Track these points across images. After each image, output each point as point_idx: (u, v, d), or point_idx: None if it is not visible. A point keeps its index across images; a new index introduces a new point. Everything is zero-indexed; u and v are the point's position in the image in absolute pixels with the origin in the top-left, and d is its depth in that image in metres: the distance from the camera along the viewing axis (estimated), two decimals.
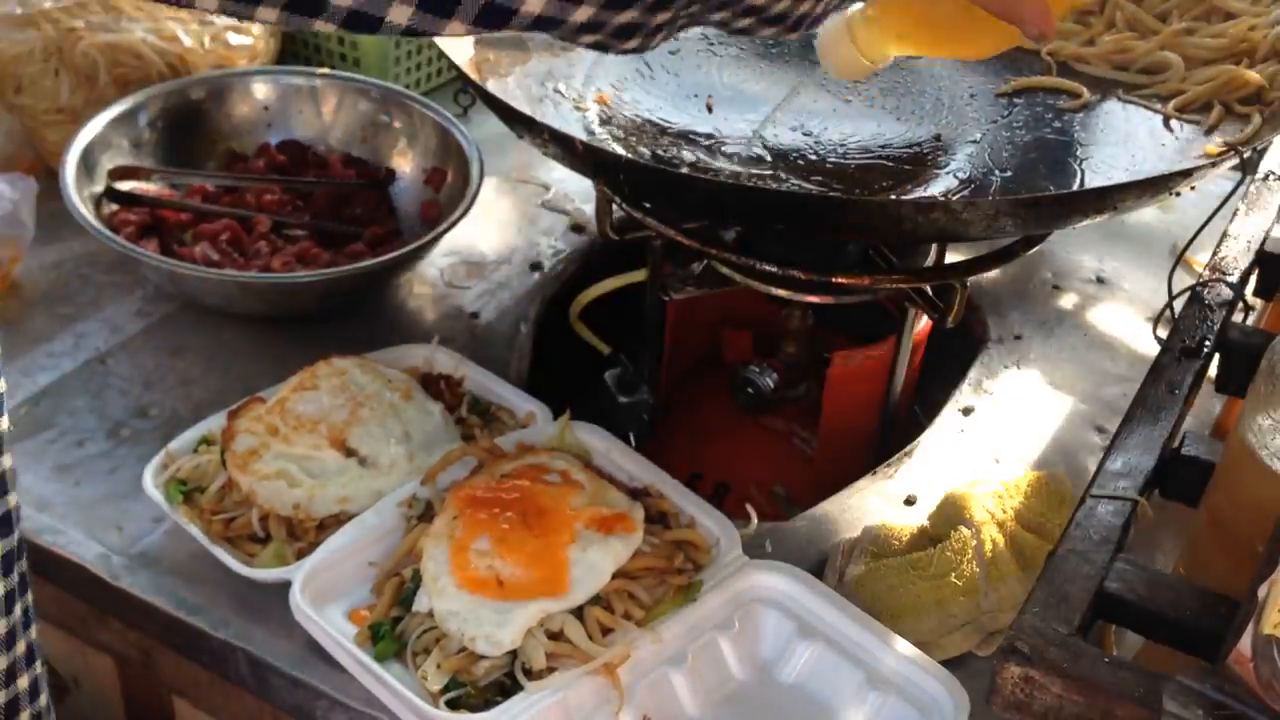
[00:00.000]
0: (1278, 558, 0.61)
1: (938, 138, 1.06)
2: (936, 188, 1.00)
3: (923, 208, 0.91)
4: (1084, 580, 0.71)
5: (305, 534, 0.90)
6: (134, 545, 0.96)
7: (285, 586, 0.85)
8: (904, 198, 0.95)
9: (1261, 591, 0.60)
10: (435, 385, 1.02)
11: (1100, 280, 1.31)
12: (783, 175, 1.00)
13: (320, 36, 1.45)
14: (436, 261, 1.26)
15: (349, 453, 0.93)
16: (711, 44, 1.19)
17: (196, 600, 0.91)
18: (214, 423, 0.98)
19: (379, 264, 1.10)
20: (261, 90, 1.30)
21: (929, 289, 1.03)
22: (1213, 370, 0.95)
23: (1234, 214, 1.05)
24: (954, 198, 0.97)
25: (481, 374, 1.07)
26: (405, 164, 1.29)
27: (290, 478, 0.90)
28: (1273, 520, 0.66)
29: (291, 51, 1.47)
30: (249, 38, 1.34)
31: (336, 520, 0.90)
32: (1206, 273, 1.00)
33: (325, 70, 1.32)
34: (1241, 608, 0.64)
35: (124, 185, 1.20)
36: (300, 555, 0.88)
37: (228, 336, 1.15)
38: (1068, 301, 1.28)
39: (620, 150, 1.01)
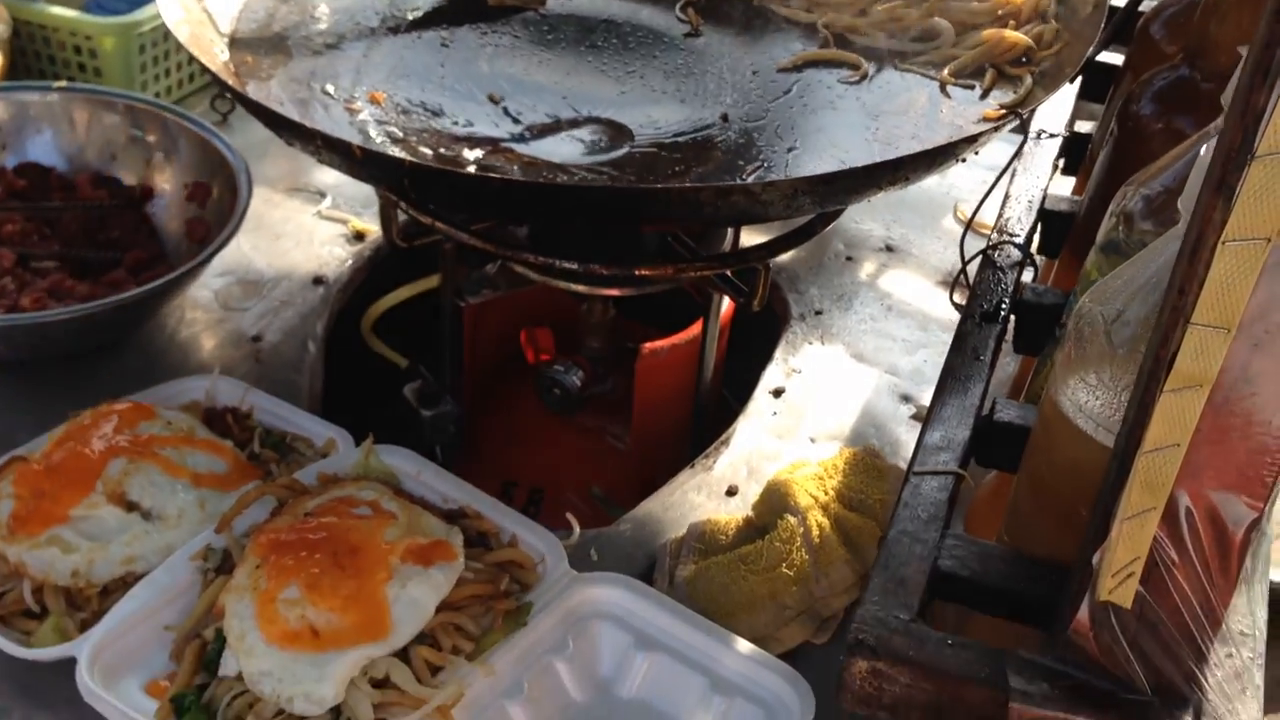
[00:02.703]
0: (1105, 524, 0.61)
1: (724, 118, 1.05)
2: (728, 170, 0.98)
3: (723, 192, 0.88)
4: (918, 562, 0.70)
5: (88, 603, 0.81)
6: None
7: (71, 664, 0.77)
8: (702, 185, 0.92)
9: (1095, 559, 0.61)
10: (221, 420, 0.95)
11: (890, 248, 1.33)
12: (573, 168, 0.97)
13: (54, 45, 1.32)
14: (209, 284, 1.17)
15: (130, 507, 0.84)
16: (484, 34, 1.14)
17: None
18: None
19: (143, 293, 1.01)
20: None
21: (731, 273, 1.01)
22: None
23: (1012, 174, 1.07)
24: (749, 178, 0.95)
25: (271, 402, 0.99)
26: (163, 180, 1.19)
27: (64, 543, 0.81)
28: (1092, 483, 0.67)
29: (23, 65, 1.34)
30: None
31: (123, 583, 0.82)
32: (994, 235, 1.02)
33: (62, 84, 1.20)
34: (1074, 575, 0.64)
35: None
36: (84, 627, 0.80)
37: None
38: (862, 272, 1.29)
39: (401, 153, 0.95)
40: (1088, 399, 0.69)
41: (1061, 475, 0.72)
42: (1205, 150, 0.63)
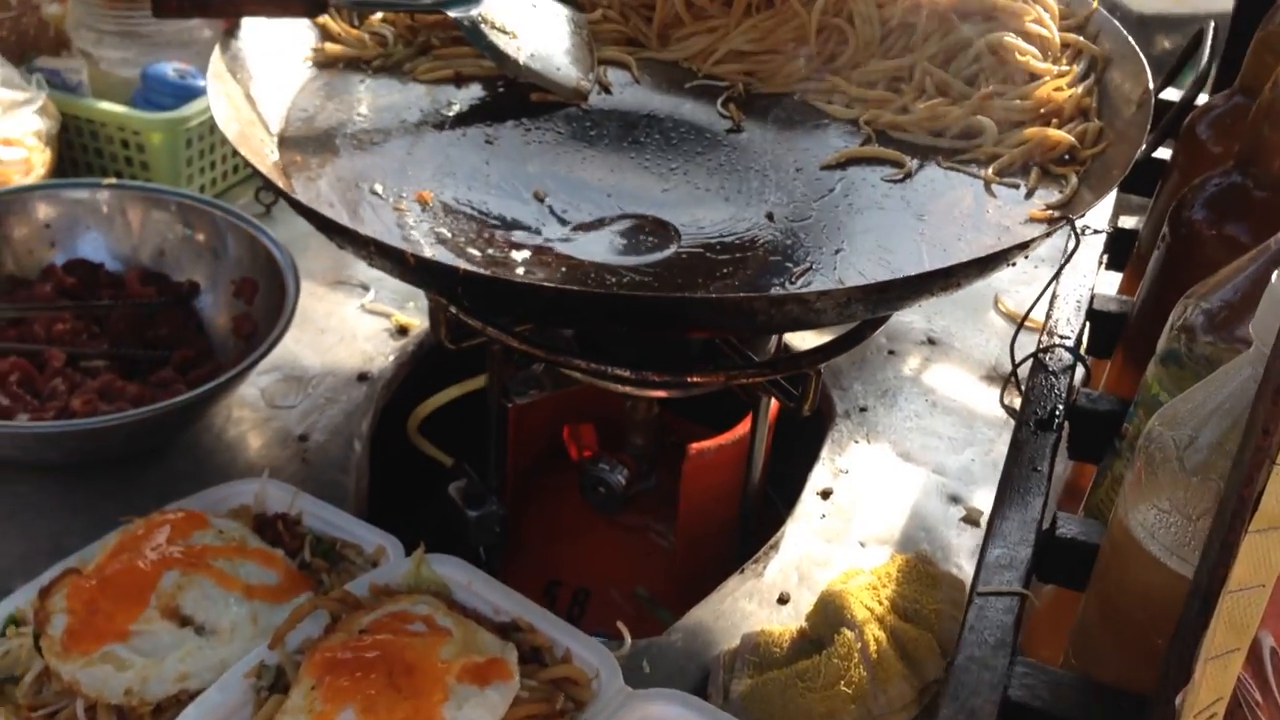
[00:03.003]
0: (1188, 661, 0.60)
1: (770, 216, 1.05)
2: (775, 273, 0.98)
3: (776, 301, 0.88)
4: (988, 691, 0.69)
5: None
6: None
7: None
8: (756, 294, 0.92)
9: (1178, 700, 0.59)
10: (272, 528, 0.94)
11: (932, 341, 1.32)
12: (621, 269, 0.97)
13: (102, 139, 1.34)
14: (256, 380, 1.17)
15: (184, 621, 0.84)
16: (528, 130, 1.15)
17: None
18: (22, 598, 0.87)
19: (195, 397, 1.01)
20: (42, 207, 1.19)
21: (781, 377, 1.01)
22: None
23: (1059, 271, 1.07)
24: (797, 282, 0.95)
25: (319, 506, 0.99)
26: (211, 276, 1.20)
27: (118, 660, 0.80)
28: (1166, 609, 0.66)
29: (70, 159, 1.36)
30: (21, 150, 1.22)
31: (176, 702, 0.81)
32: (1044, 337, 1.01)
33: (112, 180, 1.21)
34: (1153, 712, 0.63)
35: None
36: None
37: (26, 490, 1.03)
38: (905, 366, 1.28)
39: (452, 258, 0.96)
40: (1161, 525, 0.68)
41: (1134, 600, 0.71)
42: (1276, 278, 0.63)
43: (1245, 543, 0.55)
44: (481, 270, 0.92)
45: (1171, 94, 1.15)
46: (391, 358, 1.24)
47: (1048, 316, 1.05)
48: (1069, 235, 0.97)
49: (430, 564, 0.91)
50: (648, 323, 0.91)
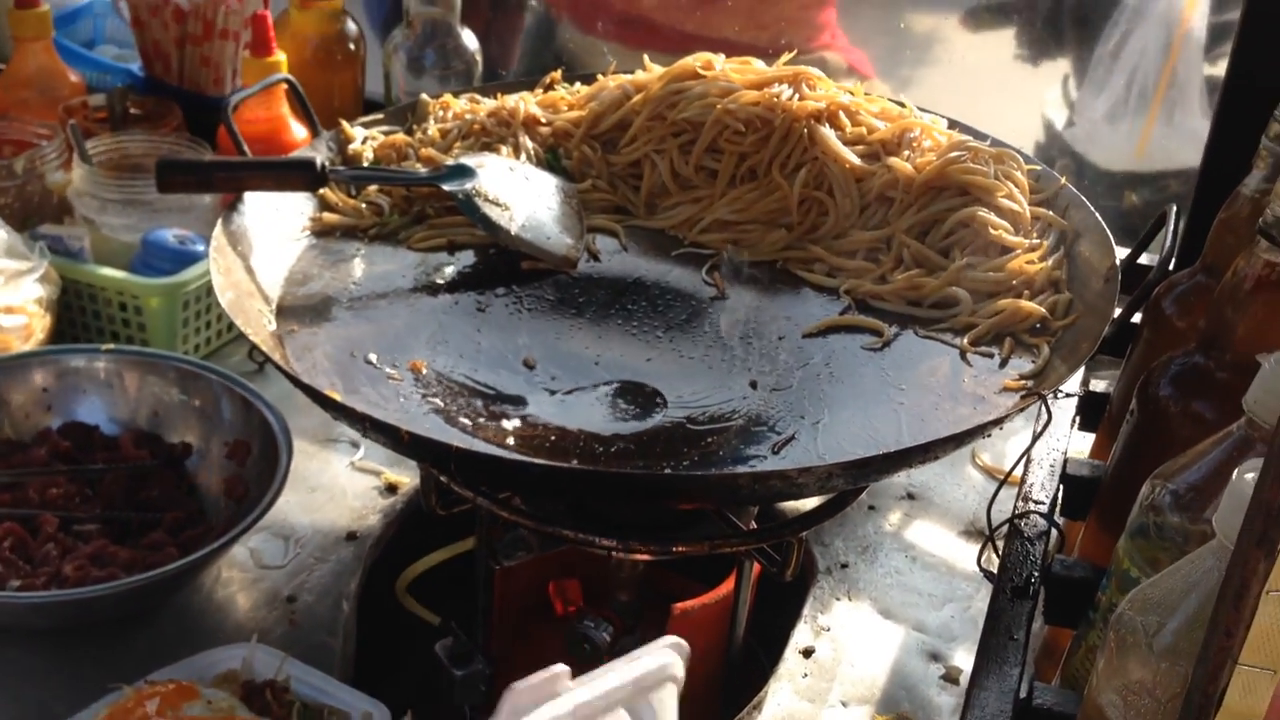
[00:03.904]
0: None
1: (753, 385, 1.08)
2: (756, 442, 1.01)
3: (760, 477, 0.91)
4: None
5: None
6: None
7: None
8: (739, 471, 0.95)
9: None
10: (260, 696, 0.95)
11: (911, 496, 1.35)
12: (608, 438, 0.99)
13: (100, 303, 1.37)
14: (244, 540, 1.18)
15: None
16: (518, 298, 1.18)
17: None
18: None
19: (186, 564, 1.02)
20: (40, 374, 1.21)
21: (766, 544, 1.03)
22: None
23: (1032, 444, 1.10)
24: (781, 456, 0.98)
25: (306, 672, 1.00)
26: (204, 439, 1.22)
27: None
28: None
29: (68, 320, 1.39)
30: (22, 316, 1.25)
31: None
32: (1019, 504, 1.04)
33: (110, 346, 1.24)
34: None
35: None
36: None
37: (14, 655, 1.04)
38: (885, 522, 1.31)
39: (445, 428, 0.98)
40: (1130, 706, 0.70)
41: None
42: (1238, 475, 0.66)
43: None
44: (474, 448, 0.95)
45: (1145, 258, 1.19)
46: (380, 516, 1.25)
47: (1022, 481, 1.08)
48: (1039, 407, 1.00)
49: None
50: (634, 496, 0.94)
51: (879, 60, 2.19)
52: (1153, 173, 2.26)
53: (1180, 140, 2.17)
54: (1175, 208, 1.12)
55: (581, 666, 1.16)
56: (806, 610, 1.18)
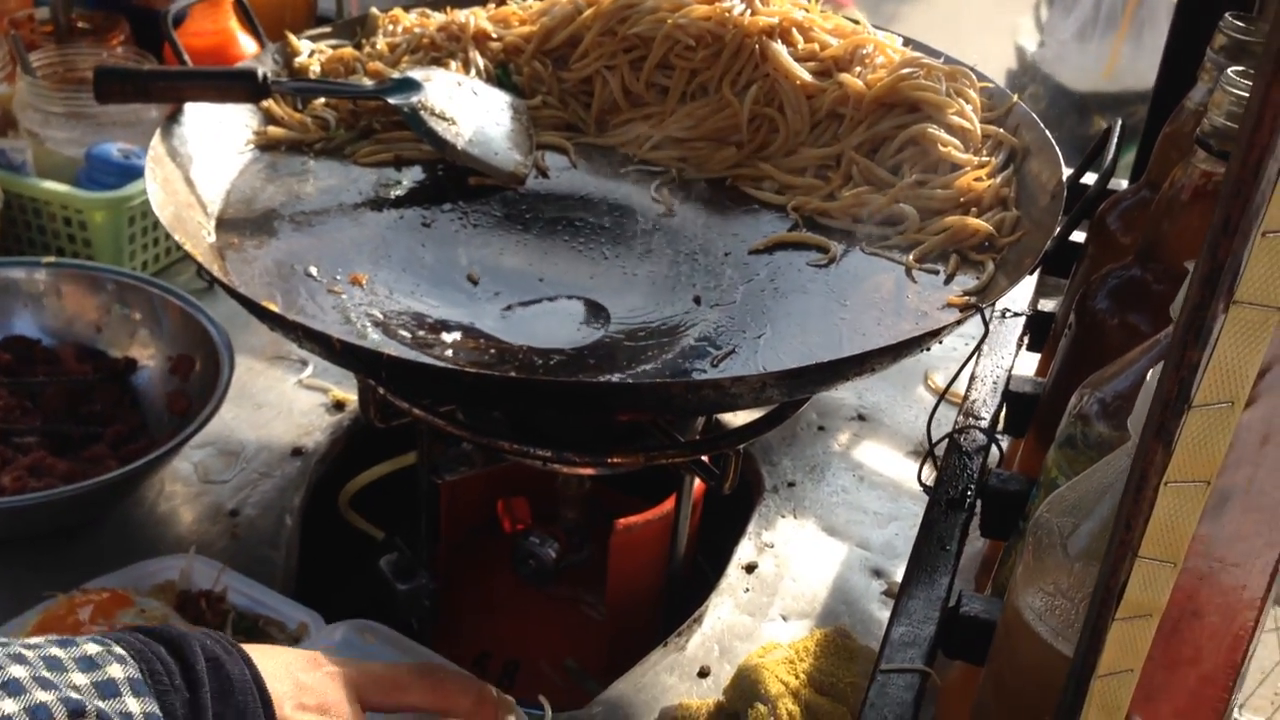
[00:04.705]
0: None
1: (696, 300, 1.08)
2: (699, 357, 1.00)
3: (693, 387, 0.91)
4: None
5: None
6: None
7: None
8: (672, 380, 0.95)
9: None
10: (195, 605, 0.95)
11: (862, 417, 1.35)
12: (549, 352, 0.99)
13: (45, 218, 1.35)
14: (189, 455, 1.18)
15: None
16: (464, 213, 1.17)
17: None
18: None
19: (126, 473, 1.02)
20: None
21: (704, 457, 1.03)
22: None
23: (971, 356, 1.10)
24: (719, 365, 0.98)
25: (245, 583, 1.00)
26: (147, 353, 1.21)
27: None
28: (1054, 688, 0.68)
29: (13, 235, 1.38)
30: None
31: None
32: (960, 419, 1.04)
33: (51, 259, 1.23)
34: None
35: None
36: None
37: None
38: (834, 442, 1.31)
39: (379, 342, 0.98)
40: (1047, 607, 0.71)
41: (1024, 679, 0.73)
42: (1152, 375, 0.66)
43: (1113, 630, 0.58)
44: (404, 355, 0.94)
45: (1091, 178, 1.18)
46: (327, 433, 1.25)
47: (965, 397, 1.08)
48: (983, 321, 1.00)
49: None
50: (567, 406, 0.94)
51: None
52: (1121, 92, 2.25)
53: (1150, 60, 2.14)
54: (1121, 123, 1.11)
55: (528, 583, 1.18)
56: (751, 527, 1.18)
